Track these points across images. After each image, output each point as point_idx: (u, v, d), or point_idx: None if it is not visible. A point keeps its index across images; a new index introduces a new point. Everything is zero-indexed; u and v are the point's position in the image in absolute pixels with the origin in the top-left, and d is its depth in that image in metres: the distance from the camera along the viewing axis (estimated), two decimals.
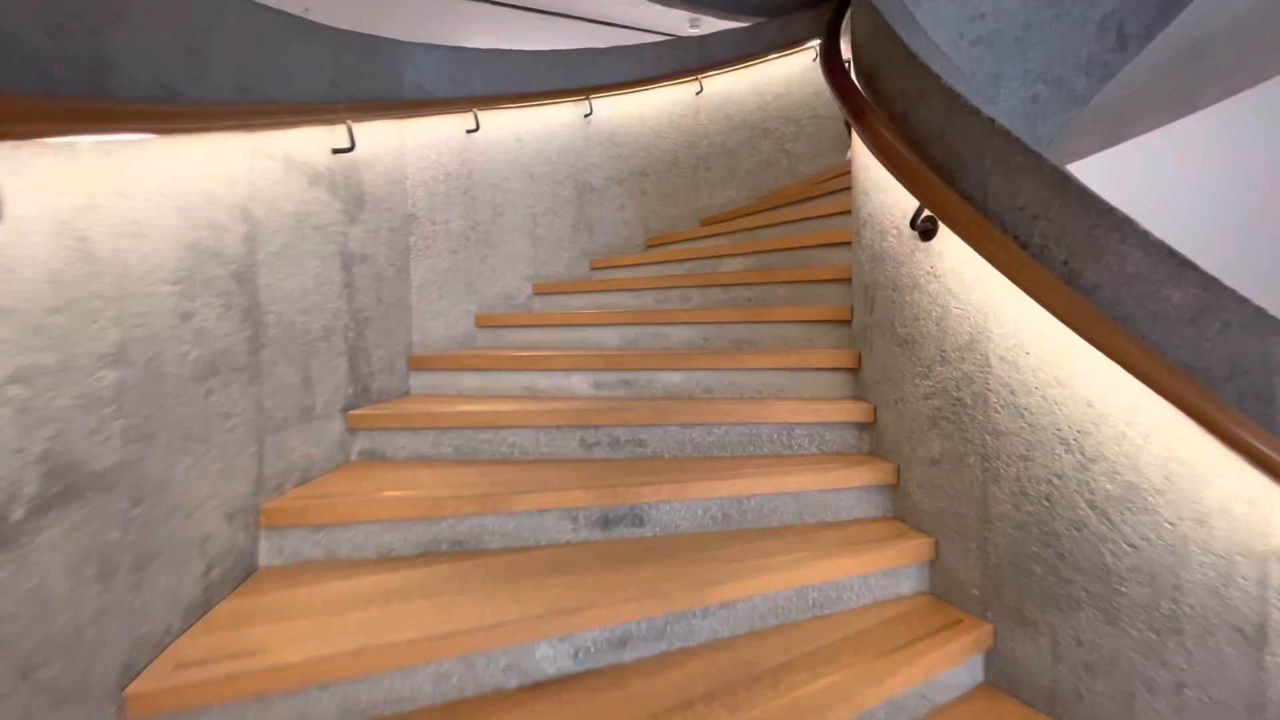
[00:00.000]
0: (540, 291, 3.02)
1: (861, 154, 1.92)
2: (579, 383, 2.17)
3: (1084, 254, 1.23)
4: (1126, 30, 2.45)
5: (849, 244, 2.41)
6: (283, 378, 1.55)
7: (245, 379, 1.39)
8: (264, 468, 1.47)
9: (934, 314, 1.55)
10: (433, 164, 2.44)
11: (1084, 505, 1.26)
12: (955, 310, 1.48)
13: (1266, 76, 3.37)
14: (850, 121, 1.72)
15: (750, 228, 3.10)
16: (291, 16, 1.48)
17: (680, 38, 3.80)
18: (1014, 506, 1.38)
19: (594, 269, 3.33)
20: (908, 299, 1.64)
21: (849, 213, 2.59)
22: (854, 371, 2.00)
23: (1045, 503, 1.32)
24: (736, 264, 2.80)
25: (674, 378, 2.10)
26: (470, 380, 2.25)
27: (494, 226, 2.82)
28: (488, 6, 4.35)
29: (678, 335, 2.39)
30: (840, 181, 3.10)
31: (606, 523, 1.59)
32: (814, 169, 4.05)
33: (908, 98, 1.62)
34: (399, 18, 4.39)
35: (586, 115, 3.34)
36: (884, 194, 1.73)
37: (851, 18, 2.05)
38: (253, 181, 1.44)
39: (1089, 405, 1.24)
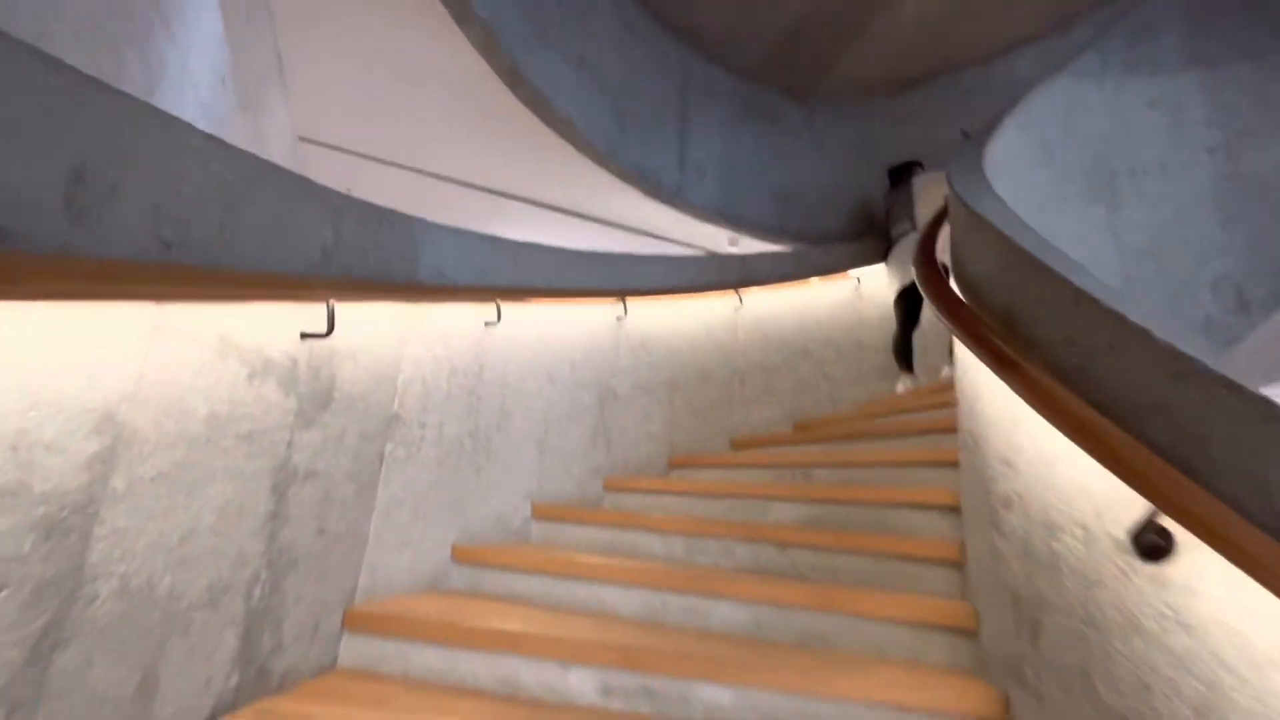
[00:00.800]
0: (541, 515, 2.43)
1: (989, 403, 1.47)
2: (580, 683, 1.48)
3: None
4: (1247, 295, 2.17)
5: (948, 509, 1.87)
6: (94, 688, 0.92)
7: None
8: None
9: (1189, 692, 0.94)
10: (437, 357, 2.02)
11: None
12: (1241, 701, 0.88)
13: None
14: (998, 373, 1.28)
15: (799, 463, 2.59)
16: (275, 166, 1.13)
17: (722, 255, 3.71)
18: None
19: (608, 489, 2.77)
20: (1120, 648, 1.05)
21: (938, 466, 2.09)
22: None
23: None
24: (790, 512, 2.23)
25: (721, 695, 1.42)
26: (426, 656, 1.57)
27: (498, 432, 2.33)
28: (528, 207, 4.42)
29: (721, 615, 1.74)
30: (906, 423, 2.66)
31: None
32: (856, 396, 3.69)
33: (1084, 349, 1.19)
34: (434, 209, 4.44)
35: (619, 318, 3.04)
36: (1053, 471, 1.23)
37: (957, 242, 1.75)
38: (144, 375, 0.96)
39: None
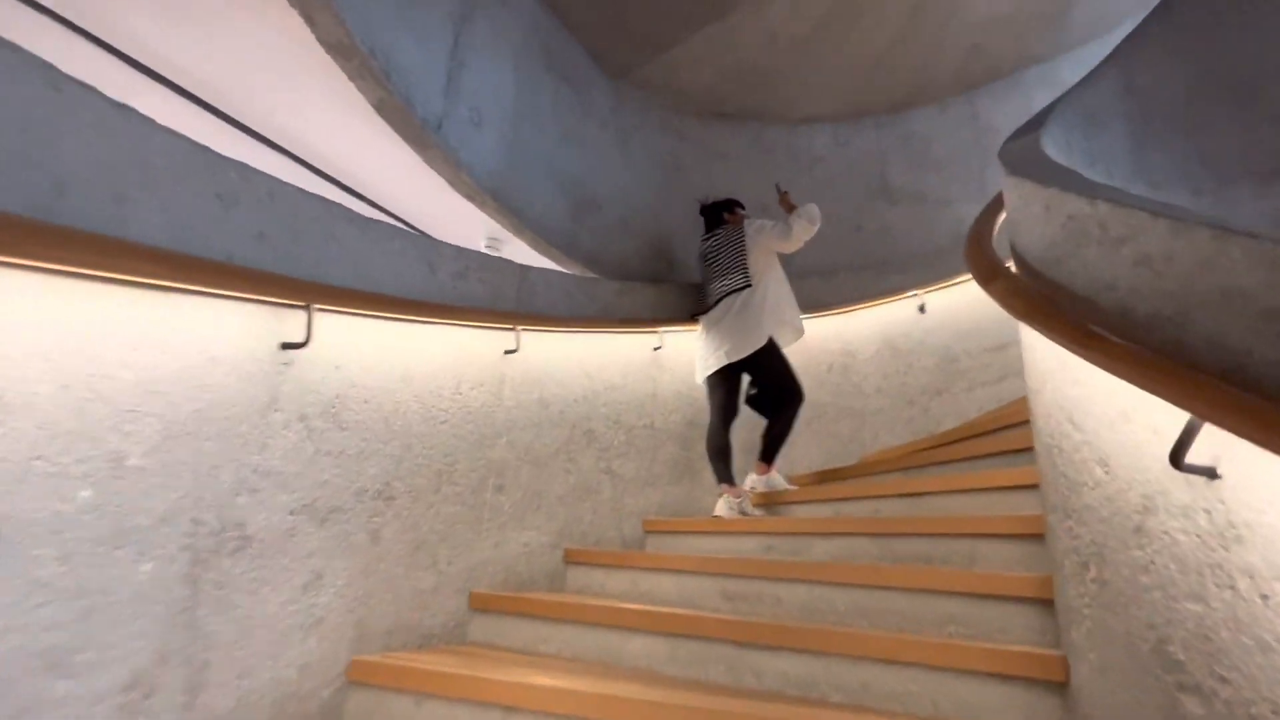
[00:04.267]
0: None
1: None
2: None
3: None
4: None
5: None
6: None
7: None
8: None
9: None
10: None
11: None
12: None
13: None
14: None
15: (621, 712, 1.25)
16: None
17: (491, 256, 2.18)
18: None
19: None
20: None
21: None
22: None
23: None
24: None
25: None
26: None
27: None
28: (124, 69, 2.07)
29: None
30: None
31: None
32: (642, 506, 2.57)
33: None
34: None
35: (289, 348, 1.28)
36: None
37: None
38: None
39: None
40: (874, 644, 1.31)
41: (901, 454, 2.84)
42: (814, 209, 2.66)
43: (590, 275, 2.85)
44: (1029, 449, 2.06)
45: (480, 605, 1.82)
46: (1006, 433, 2.34)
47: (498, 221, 2.47)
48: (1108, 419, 1.00)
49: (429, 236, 1.83)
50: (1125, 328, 0.95)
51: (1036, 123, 1.83)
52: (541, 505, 2.17)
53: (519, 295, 2.25)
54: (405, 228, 3.02)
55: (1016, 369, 3.24)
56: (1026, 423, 2.36)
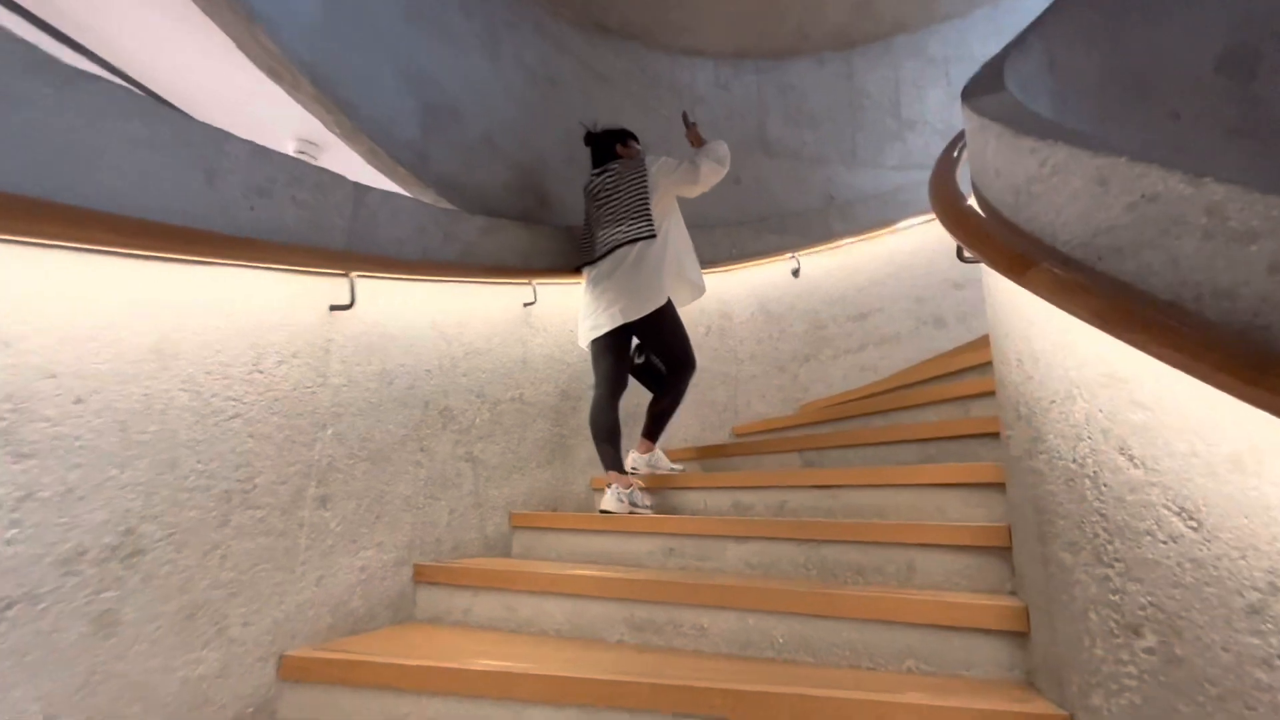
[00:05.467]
0: None
1: None
2: None
3: None
4: None
5: None
6: None
7: None
8: None
9: None
10: None
11: None
12: None
13: None
14: None
15: None
16: None
17: (312, 166, 1.49)
18: None
19: None
20: None
21: None
22: None
23: None
24: None
25: None
26: None
27: None
28: None
29: None
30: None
31: None
32: (508, 497, 2.14)
33: None
34: None
35: None
36: None
37: None
38: None
39: None
40: (855, 711, 1.06)
41: (782, 425, 2.71)
42: (723, 148, 2.30)
43: (447, 206, 2.22)
44: (935, 439, 1.95)
45: (295, 674, 1.27)
46: (898, 416, 2.28)
47: (317, 116, 1.74)
48: (1204, 462, 0.80)
49: (207, 125, 1.14)
50: (1251, 354, 0.72)
51: (995, 81, 1.63)
52: (384, 513, 1.63)
53: (352, 226, 1.60)
54: (166, 107, 2.04)
55: (875, 338, 3.27)
56: (920, 406, 2.31)
